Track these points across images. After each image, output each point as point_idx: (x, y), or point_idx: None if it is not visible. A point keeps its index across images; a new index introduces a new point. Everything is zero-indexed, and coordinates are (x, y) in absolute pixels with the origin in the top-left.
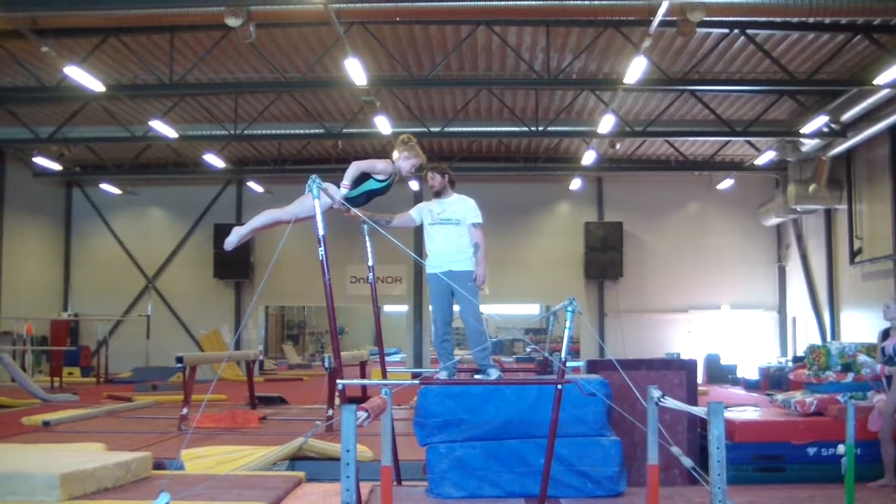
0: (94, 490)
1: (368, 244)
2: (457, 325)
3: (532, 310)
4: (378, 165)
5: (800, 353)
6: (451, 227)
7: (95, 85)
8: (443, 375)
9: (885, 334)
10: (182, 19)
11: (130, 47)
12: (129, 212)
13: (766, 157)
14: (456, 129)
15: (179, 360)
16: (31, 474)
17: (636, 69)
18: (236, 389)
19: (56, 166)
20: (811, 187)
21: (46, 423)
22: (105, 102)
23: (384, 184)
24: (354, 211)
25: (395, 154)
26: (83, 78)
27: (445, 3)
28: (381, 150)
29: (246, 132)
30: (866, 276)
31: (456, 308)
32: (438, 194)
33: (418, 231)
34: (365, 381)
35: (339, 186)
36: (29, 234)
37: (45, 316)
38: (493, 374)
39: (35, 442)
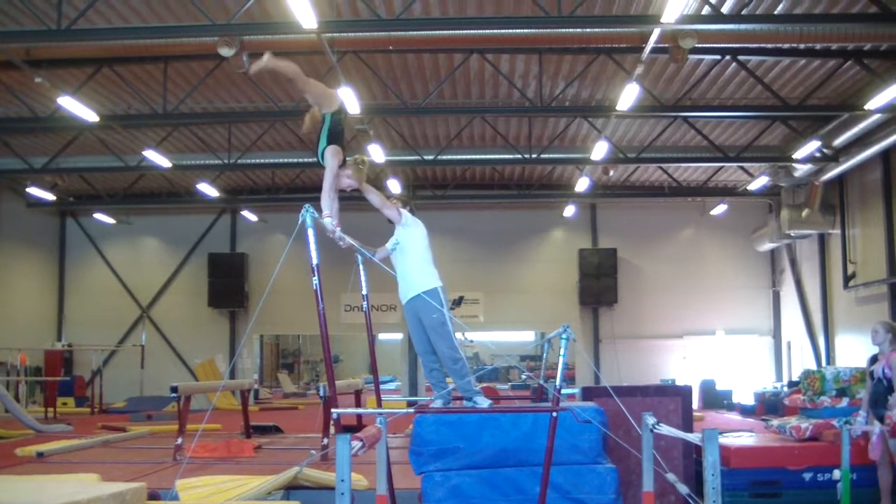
0: None
1: (363, 273)
2: None
3: (527, 337)
4: (343, 181)
5: (795, 379)
6: (396, 255)
7: (89, 115)
8: (438, 404)
9: (874, 359)
10: (175, 49)
11: (124, 77)
12: (123, 241)
13: (759, 182)
14: (449, 156)
15: (174, 389)
16: None
17: (629, 96)
18: (231, 419)
19: (50, 196)
20: (804, 212)
21: (40, 454)
22: (99, 132)
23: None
24: (348, 241)
25: (348, 166)
26: (77, 108)
27: (438, 32)
28: (375, 177)
29: (239, 161)
30: (860, 301)
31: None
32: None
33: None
34: (360, 410)
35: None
36: (23, 264)
37: (39, 346)
38: (482, 402)
39: (29, 473)
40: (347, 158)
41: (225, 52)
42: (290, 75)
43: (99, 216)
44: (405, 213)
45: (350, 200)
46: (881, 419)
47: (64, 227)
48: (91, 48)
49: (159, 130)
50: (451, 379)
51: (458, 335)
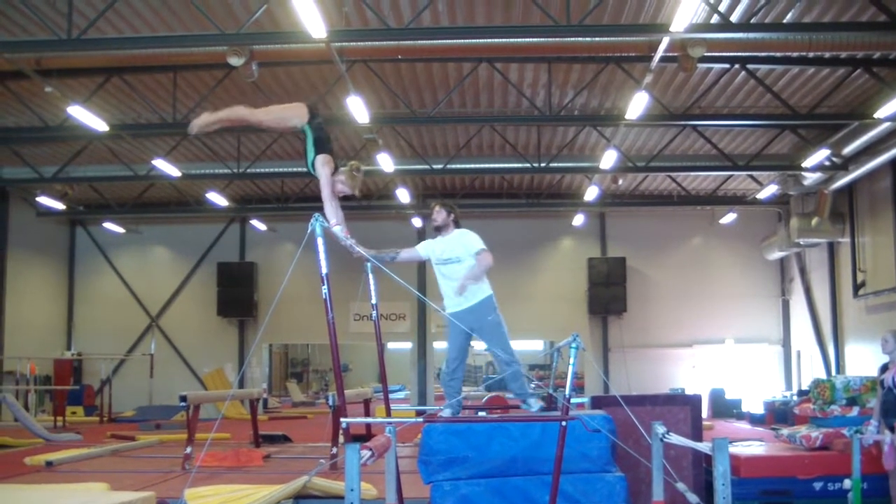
0: None
1: (372, 282)
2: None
3: (536, 345)
4: (337, 187)
5: (805, 387)
6: (453, 266)
7: (99, 124)
8: (447, 413)
9: (885, 368)
10: (185, 59)
11: (133, 87)
12: (133, 250)
13: (769, 190)
14: (458, 165)
15: (183, 398)
16: None
17: (638, 105)
18: (240, 428)
19: (59, 205)
20: (814, 220)
21: (49, 464)
22: (108, 142)
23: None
24: (360, 251)
25: (341, 173)
26: (86, 117)
27: (447, 41)
28: (384, 186)
29: (249, 170)
30: (870, 309)
31: (480, 345)
32: (439, 229)
33: (422, 268)
34: (369, 420)
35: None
36: (32, 274)
37: (49, 355)
38: (534, 404)
39: (38, 482)
40: (342, 167)
41: (234, 61)
42: (238, 120)
43: (108, 225)
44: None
45: (365, 210)
46: (892, 428)
47: (73, 236)
48: (101, 58)
49: (168, 140)
50: (507, 381)
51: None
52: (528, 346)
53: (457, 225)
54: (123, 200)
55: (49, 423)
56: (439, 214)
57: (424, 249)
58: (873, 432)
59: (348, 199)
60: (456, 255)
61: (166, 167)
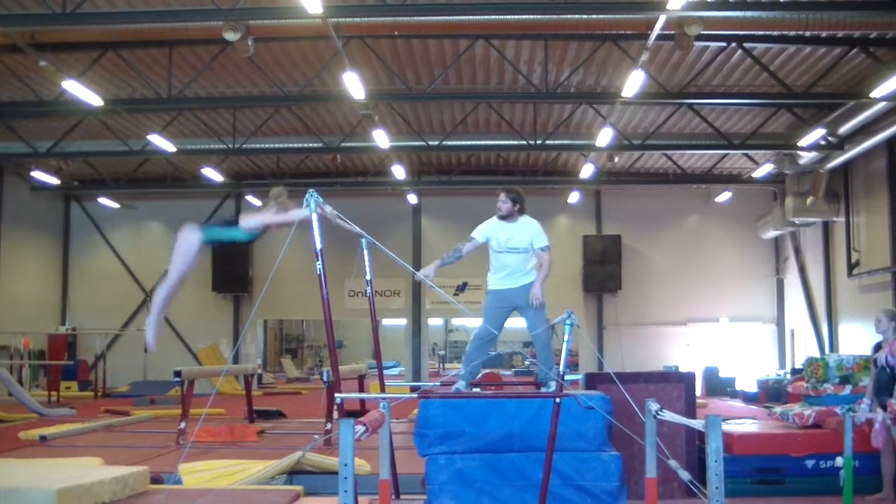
0: None
1: (367, 258)
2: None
3: None
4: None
5: (798, 366)
6: (518, 256)
7: (94, 99)
8: (461, 384)
9: (878, 347)
10: (180, 34)
11: (129, 62)
12: (128, 226)
13: (764, 169)
14: (454, 142)
15: (177, 374)
16: (28, 489)
17: (634, 83)
18: (234, 403)
19: (54, 181)
20: (809, 200)
21: (43, 438)
22: (103, 117)
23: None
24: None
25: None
26: (81, 92)
27: (444, 18)
28: (380, 163)
29: (244, 146)
30: (864, 289)
31: (520, 323)
32: (504, 217)
33: (417, 243)
34: (363, 395)
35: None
36: (27, 249)
37: (43, 330)
38: (552, 386)
39: (32, 456)
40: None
41: (230, 36)
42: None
43: (103, 201)
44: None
45: (361, 186)
46: (884, 407)
47: (68, 212)
48: (96, 32)
49: (164, 115)
50: (539, 361)
51: (464, 321)
52: (522, 323)
53: (521, 212)
54: (118, 176)
55: (43, 397)
56: (504, 204)
57: (483, 234)
58: (865, 410)
59: (345, 176)
60: (524, 245)
61: (161, 142)
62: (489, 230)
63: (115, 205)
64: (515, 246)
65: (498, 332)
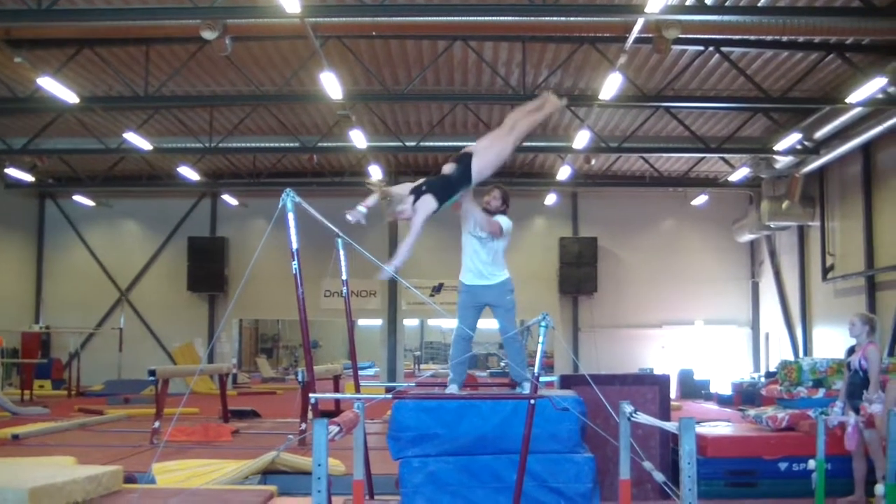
0: None
1: (343, 259)
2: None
3: None
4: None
5: (772, 369)
6: (488, 244)
7: (69, 96)
8: (454, 388)
9: (852, 351)
10: (157, 32)
11: (105, 59)
12: (103, 224)
13: (740, 173)
14: (431, 143)
15: (152, 373)
16: (0, 488)
17: (611, 85)
18: (209, 403)
19: (29, 178)
20: (784, 204)
21: (16, 437)
22: (79, 114)
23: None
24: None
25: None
26: (57, 89)
27: (422, 19)
28: (357, 163)
29: (221, 145)
30: (838, 293)
31: (495, 324)
32: (489, 212)
33: (393, 244)
34: (338, 395)
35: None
36: (0, 246)
37: (16, 328)
38: (526, 388)
39: (4, 455)
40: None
41: (207, 35)
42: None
43: (78, 198)
44: None
45: (338, 186)
46: (857, 410)
47: (43, 209)
48: (72, 29)
49: (140, 113)
50: (511, 361)
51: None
52: (496, 325)
53: (505, 212)
54: (94, 173)
55: (16, 396)
56: (496, 202)
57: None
58: (838, 413)
59: (321, 176)
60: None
61: (138, 140)
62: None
63: (91, 203)
64: (481, 235)
65: (473, 332)
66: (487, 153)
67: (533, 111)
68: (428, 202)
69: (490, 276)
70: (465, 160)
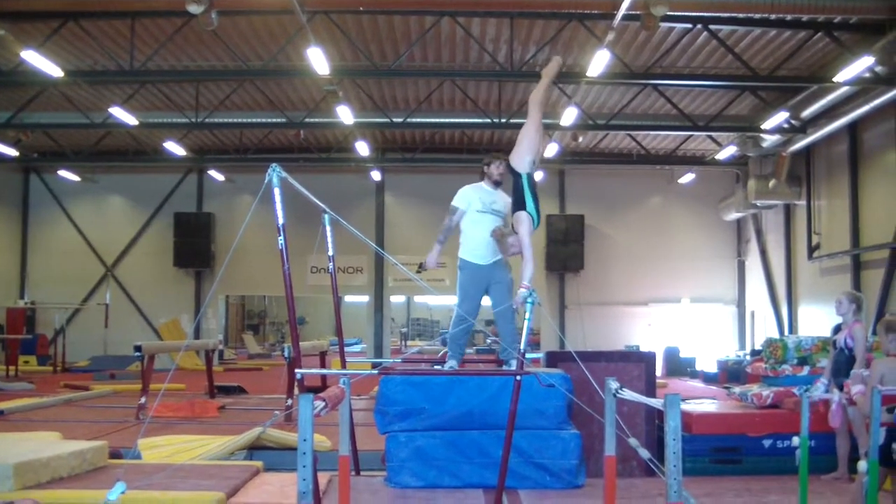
0: (49, 479)
1: (329, 235)
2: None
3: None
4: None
5: (758, 347)
6: (495, 219)
7: (54, 70)
8: (453, 364)
9: (838, 329)
10: (143, 5)
11: (90, 33)
12: (88, 199)
13: (727, 151)
14: (418, 119)
15: (138, 348)
16: None
17: (599, 62)
18: (195, 379)
19: (13, 152)
20: (771, 182)
21: (1, 413)
22: (64, 88)
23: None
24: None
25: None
26: (41, 63)
27: None
28: (343, 139)
29: (207, 120)
30: (824, 272)
31: (483, 301)
32: (497, 183)
33: (380, 221)
34: (324, 371)
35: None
36: None
37: (1, 304)
38: (513, 365)
39: None
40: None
41: (193, 9)
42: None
43: (64, 173)
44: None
45: (325, 163)
46: (841, 388)
47: (27, 184)
48: (56, 2)
49: (126, 88)
50: (502, 340)
51: (426, 299)
52: (484, 301)
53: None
54: (79, 148)
55: (1, 372)
56: (498, 169)
57: (465, 200)
58: (821, 390)
59: (308, 151)
60: (504, 210)
61: (123, 115)
62: (470, 195)
63: (76, 178)
64: (499, 209)
65: (477, 312)
66: (518, 146)
67: (538, 88)
68: (520, 218)
69: (495, 254)
70: (506, 163)
